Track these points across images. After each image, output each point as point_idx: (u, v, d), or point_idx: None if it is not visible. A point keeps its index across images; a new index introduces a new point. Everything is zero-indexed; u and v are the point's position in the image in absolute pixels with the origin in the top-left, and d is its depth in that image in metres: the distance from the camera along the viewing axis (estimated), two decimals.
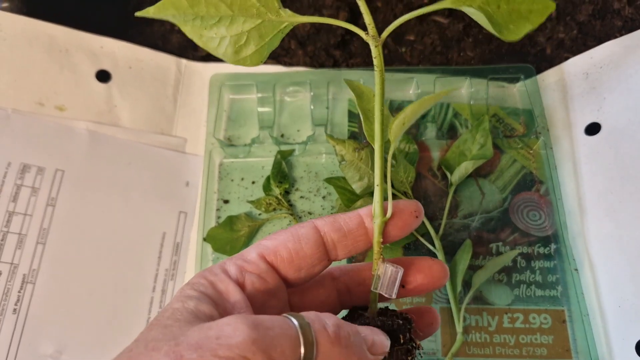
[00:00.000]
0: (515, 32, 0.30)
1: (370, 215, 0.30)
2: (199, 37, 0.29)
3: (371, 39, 0.29)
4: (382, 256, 0.30)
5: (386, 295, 0.30)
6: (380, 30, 0.29)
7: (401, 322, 0.30)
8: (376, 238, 0.30)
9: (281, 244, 0.29)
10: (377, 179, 0.30)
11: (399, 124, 0.29)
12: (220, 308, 0.26)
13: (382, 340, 0.28)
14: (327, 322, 0.25)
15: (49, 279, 0.48)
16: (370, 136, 0.31)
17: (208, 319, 0.25)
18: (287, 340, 0.23)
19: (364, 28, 0.30)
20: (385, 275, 0.30)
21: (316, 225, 0.30)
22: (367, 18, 0.29)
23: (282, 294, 0.30)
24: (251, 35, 0.29)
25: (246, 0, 0.28)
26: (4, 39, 0.54)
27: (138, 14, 0.27)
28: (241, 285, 0.28)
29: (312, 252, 0.29)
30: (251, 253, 0.29)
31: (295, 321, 0.24)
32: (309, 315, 0.25)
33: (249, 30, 0.29)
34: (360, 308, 0.32)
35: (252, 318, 0.23)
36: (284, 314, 0.25)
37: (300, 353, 0.24)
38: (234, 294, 0.27)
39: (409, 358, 0.30)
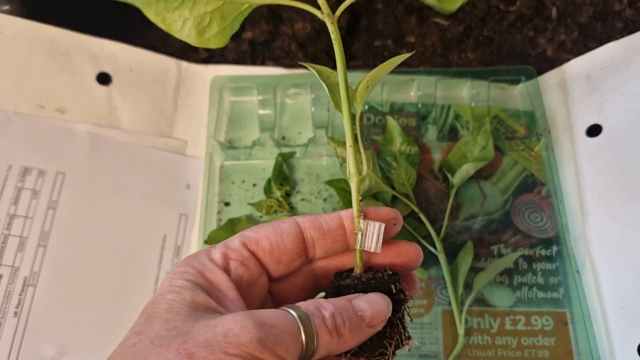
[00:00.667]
0: (452, 4, 0.32)
1: (351, 217, 0.31)
2: (162, 20, 0.29)
3: (327, 17, 0.31)
4: (362, 214, 0.31)
5: (371, 251, 0.31)
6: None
7: (390, 272, 0.30)
8: (355, 197, 0.31)
9: (263, 235, 0.30)
10: (348, 140, 0.31)
11: (364, 87, 0.32)
12: (213, 297, 0.27)
13: (382, 308, 0.28)
14: (325, 313, 0.26)
15: (50, 282, 0.48)
16: (337, 104, 0.32)
17: (205, 309, 0.25)
18: (290, 336, 0.24)
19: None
20: (368, 231, 0.31)
21: (297, 221, 0.31)
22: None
23: (264, 282, 0.31)
24: (214, 17, 0.30)
25: None
26: (5, 41, 0.54)
27: None
28: (227, 272, 0.28)
29: (292, 246, 0.30)
30: (234, 241, 0.30)
31: (295, 314, 0.25)
32: (308, 307, 0.26)
33: (211, 12, 0.30)
34: (345, 271, 0.32)
35: (257, 316, 0.24)
36: (283, 307, 0.26)
37: (302, 344, 0.25)
38: (223, 283, 0.28)
39: (402, 307, 0.30)
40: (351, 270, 0.32)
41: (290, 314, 0.25)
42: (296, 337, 0.25)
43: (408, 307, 0.31)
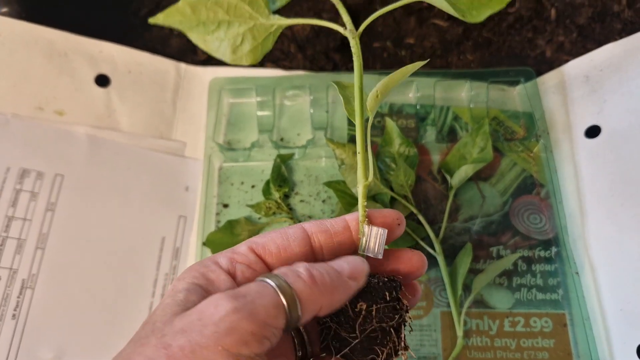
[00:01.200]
0: (477, 16, 0.34)
1: (356, 220, 0.32)
2: (203, 41, 0.33)
3: (349, 33, 0.33)
4: (366, 219, 0.31)
5: (373, 256, 0.31)
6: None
7: (386, 279, 0.30)
8: (360, 201, 0.32)
9: (270, 240, 0.30)
10: (358, 147, 0.33)
11: (373, 97, 0.32)
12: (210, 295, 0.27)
13: (358, 263, 0.29)
14: (299, 269, 0.26)
15: (49, 284, 0.48)
16: (350, 114, 0.34)
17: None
18: (268, 298, 0.24)
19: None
20: (371, 236, 0.31)
21: (304, 227, 0.31)
22: (345, 16, 0.34)
23: None
24: (245, 37, 0.34)
25: (240, 6, 0.33)
26: (3, 43, 0.54)
27: (151, 20, 0.31)
28: (232, 275, 0.28)
29: (299, 250, 0.30)
30: (241, 247, 0.30)
31: (269, 280, 0.25)
32: (281, 270, 0.26)
33: (243, 33, 0.33)
34: None
35: (229, 292, 0.24)
36: (258, 278, 0.26)
37: (284, 306, 0.24)
38: (224, 282, 0.27)
39: (396, 317, 0.30)
40: None
41: (265, 281, 0.25)
42: (274, 297, 0.24)
43: (408, 317, 0.31)
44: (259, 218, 0.54)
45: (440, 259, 0.50)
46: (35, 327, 0.47)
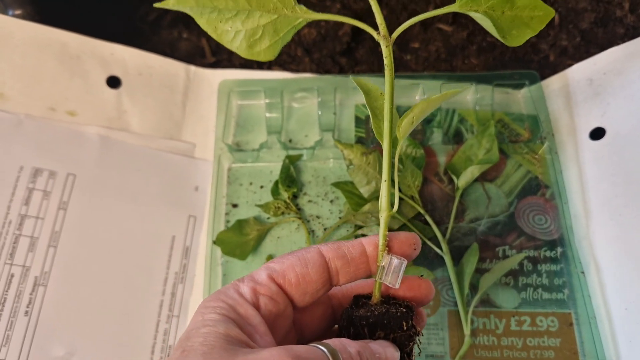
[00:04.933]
0: (517, 38, 0.32)
1: (372, 244, 0.32)
2: (213, 29, 0.29)
3: (382, 38, 0.30)
4: (387, 248, 0.32)
5: (389, 285, 0.32)
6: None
7: (404, 309, 0.31)
8: (382, 231, 0.32)
9: (289, 267, 0.31)
10: (384, 175, 0.31)
11: (408, 122, 0.31)
12: (244, 331, 0.27)
13: (393, 354, 0.30)
14: (351, 350, 0.27)
15: (60, 282, 0.49)
16: (378, 133, 0.32)
17: (238, 343, 0.26)
18: None
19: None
20: (390, 266, 0.32)
21: (321, 250, 0.32)
22: (379, 18, 0.30)
23: (289, 313, 0.31)
24: (266, 30, 0.30)
25: None
26: (17, 45, 0.55)
27: (157, 5, 0.28)
28: (256, 307, 0.29)
29: (317, 277, 0.31)
30: (261, 275, 0.30)
31: (326, 350, 0.26)
32: (335, 343, 0.27)
33: (264, 25, 0.30)
34: (363, 296, 0.33)
35: (293, 351, 0.25)
36: (312, 344, 0.27)
37: None
38: (253, 317, 0.28)
39: (411, 344, 0.31)
40: (369, 296, 0.33)
41: (321, 349, 0.26)
42: None
43: (418, 340, 0.32)
44: (268, 218, 0.55)
45: (447, 259, 0.51)
46: (47, 324, 0.47)
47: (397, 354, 0.30)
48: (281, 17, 0.30)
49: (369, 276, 0.33)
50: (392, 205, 0.32)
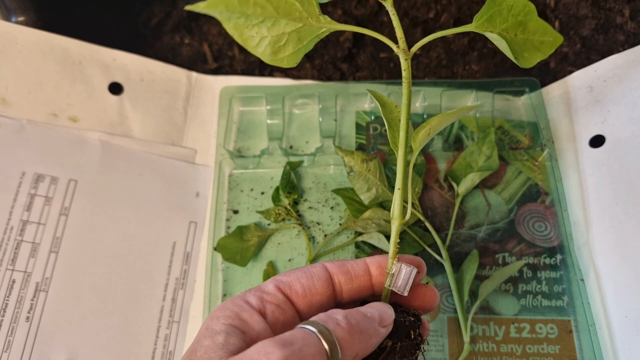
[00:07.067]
0: (529, 60, 0.33)
1: (375, 264, 0.33)
2: (239, 34, 0.30)
3: (402, 52, 0.31)
4: (397, 256, 0.32)
5: (398, 292, 0.32)
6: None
7: (412, 318, 0.32)
8: (393, 239, 0.32)
9: (295, 279, 0.31)
10: (398, 183, 0.32)
11: (425, 134, 0.31)
12: (247, 337, 0.28)
13: (386, 311, 0.30)
14: (337, 317, 0.28)
15: (62, 288, 0.49)
16: (394, 143, 0.33)
17: (238, 350, 0.26)
18: (313, 347, 0.25)
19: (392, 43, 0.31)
20: (400, 273, 0.32)
21: (326, 266, 0.32)
22: (399, 32, 0.31)
23: (297, 324, 0.31)
24: (291, 38, 0.31)
25: (291, 4, 0.30)
26: (20, 51, 0.56)
27: (188, 8, 0.28)
28: (263, 314, 0.29)
29: (323, 290, 0.31)
30: (268, 285, 0.31)
31: (311, 327, 0.26)
32: (321, 317, 0.28)
33: (289, 33, 0.31)
34: None
35: (277, 339, 0.25)
36: (298, 325, 0.27)
37: (327, 353, 0.26)
38: (258, 323, 0.29)
39: (417, 352, 0.32)
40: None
41: (307, 328, 0.27)
42: (318, 345, 0.26)
43: (423, 348, 0.32)
44: (269, 224, 0.55)
45: (447, 266, 0.51)
46: (48, 329, 0.47)
47: (391, 311, 0.30)
48: (306, 26, 0.31)
49: (372, 295, 0.34)
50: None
